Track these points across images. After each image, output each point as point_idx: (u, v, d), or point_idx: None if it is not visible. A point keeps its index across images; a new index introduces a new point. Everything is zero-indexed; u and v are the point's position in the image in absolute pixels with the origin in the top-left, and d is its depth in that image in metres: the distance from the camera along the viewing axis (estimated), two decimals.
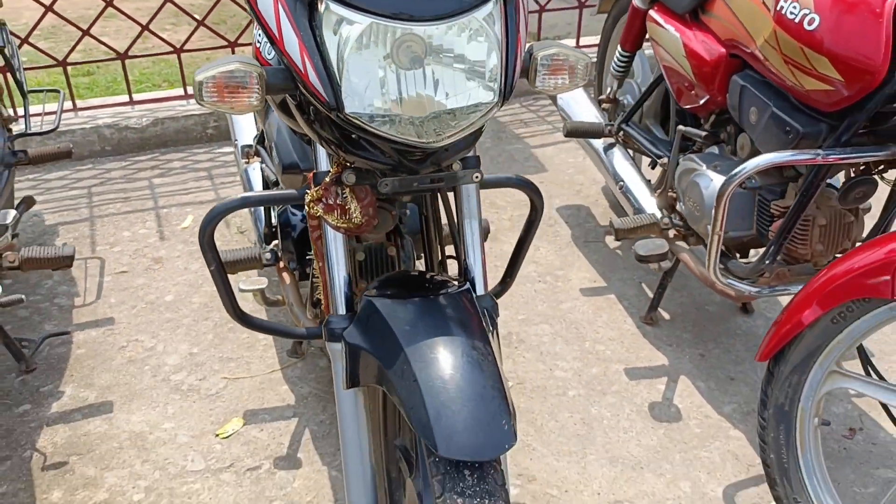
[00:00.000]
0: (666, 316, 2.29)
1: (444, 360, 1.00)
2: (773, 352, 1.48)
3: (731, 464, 1.81)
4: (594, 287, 2.42)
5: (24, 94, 2.35)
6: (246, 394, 2.01)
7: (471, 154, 1.21)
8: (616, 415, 1.95)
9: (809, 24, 1.43)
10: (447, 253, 1.49)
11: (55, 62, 3.12)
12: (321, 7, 0.95)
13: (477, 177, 1.16)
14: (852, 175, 1.61)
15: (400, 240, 1.51)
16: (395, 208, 1.36)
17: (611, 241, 2.64)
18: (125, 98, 3.33)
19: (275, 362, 2.12)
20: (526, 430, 1.90)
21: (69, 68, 3.20)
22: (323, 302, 1.25)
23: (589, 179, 3.02)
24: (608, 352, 2.16)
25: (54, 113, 2.49)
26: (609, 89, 2.42)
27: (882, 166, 1.57)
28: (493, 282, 1.43)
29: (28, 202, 2.14)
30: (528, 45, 1.11)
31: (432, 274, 1.24)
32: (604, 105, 2.46)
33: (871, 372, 1.62)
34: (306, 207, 1.16)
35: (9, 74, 2.48)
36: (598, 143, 2.36)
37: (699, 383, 2.05)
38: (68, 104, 3.22)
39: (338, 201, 1.14)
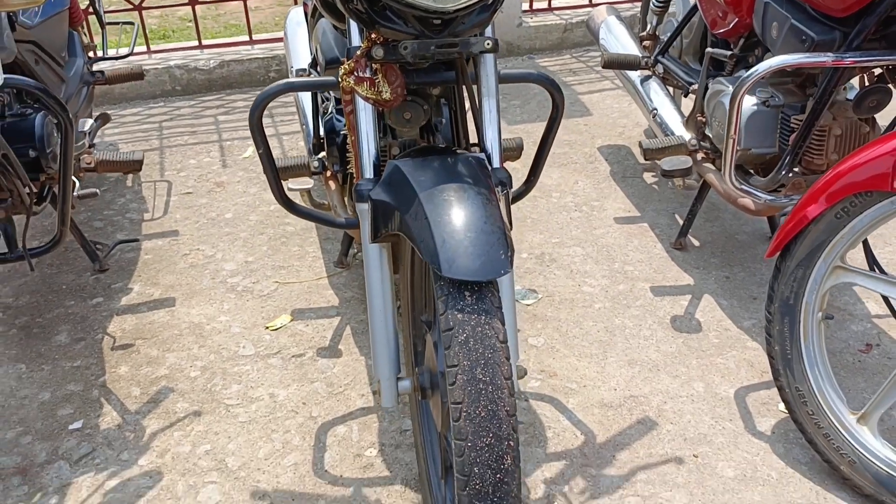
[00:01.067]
0: (696, 243, 2.38)
1: (453, 201, 1.14)
2: (780, 247, 1.57)
3: (745, 370, 1.90)
4: (628, 216, 2.51)
5: (102, 25, 2.57)
6: (295, 296, 2.19)
7: (490, 35, 1.33)
8: (638, 325, 2.06)
9: None
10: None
11: (132, 6, 3.35)
12: None
13: (489, 44, 1.27)
14: (866, 84, 1.67)
15: (432, 138, 1.64)
16: (427, 103, 1.49)
17: (648, 176, 2.73)
18: (195, 42, 3.54)
19: (322, 271, 2.29)
20: (551, 336, 2.03)
21: (144, 14, 3.42)
22: (354, 171, 1.40)
23: (632, 122, 3.10)
24: (636, 272, 2.26)
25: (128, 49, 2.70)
26: (649, 25, 2.50)
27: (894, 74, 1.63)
28: None
29: (104, 118, 2.35)
30: None
31: (453, 147, 1.38)
32: (644, 42, 2.54)
33: (875, 267, 1.69)
34: (340, 81, 1.30)
35: (90, 9, 2.70)
36: (635, 76, 2.44)
37: (722, 301, 2.13)
38: (142, 48, 3.45)
39: (367, 74, 1.28)
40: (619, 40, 2.57)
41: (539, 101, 3.30)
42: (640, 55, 2.41)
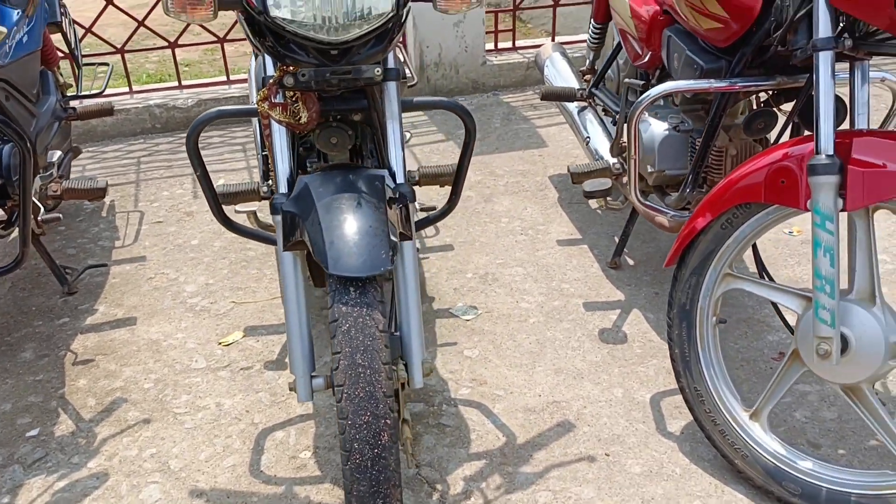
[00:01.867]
0: (630, 262, 2.51)
1: (343, 210, 1.28)
2: (675, 257, 1.70)
3: (664, 377, 2.02)
4: (570, 239, 2.65)
5: (78, 66, 2.75)
6: (249, 314, 2.33)
7: (392, 66, 1.49)
8: (568, 337, 2.19)
9: None
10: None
11: (114, 49, 3.55)
12: None
13: (378, 71, 1.42)
14: (754, 108, 1.82)
15: (360, 160, 1.79)
16: (351, 129, 1.65)
17: (593, 202, 2.87)
18: (174, 83, 3.74)
19: (277, 291, 2.43)
20: (486, 348, 2.15)
21: (126, 56, 3.63)
22: (273, 184, 1.54)
23: (583, 154, 3.26)
24: (571, 289, 2.39)
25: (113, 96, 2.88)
26: (588, 61, 2.67)
27: (781, 99, 1.78)
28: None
29: (75, 151, 2.52)
30: None
31: (361, 164, 1.53)
32: (585, 76, 2.70)
33: (764, 274, 1.81)
34: (257, 106, 1.46)
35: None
36: (573, 107, 2.60)
37: (649, 314, 2.26)
38: (125, 87, 3.64)
39: (280, 100, 1.44)
40: (562, 74, 2.74)
41: (498, 134, 3.47)
42: (577, 88, 2.57)
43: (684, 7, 1.76)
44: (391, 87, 1.49)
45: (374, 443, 1.16)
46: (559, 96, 2.53)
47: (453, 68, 3.81)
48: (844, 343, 1.50)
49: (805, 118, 1.74)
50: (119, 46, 3.57)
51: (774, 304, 1.90)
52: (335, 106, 1.58)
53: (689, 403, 1.74)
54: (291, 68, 1.41)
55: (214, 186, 1.73)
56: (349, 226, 1.25)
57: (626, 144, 2.23)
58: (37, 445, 1.87)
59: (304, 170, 1.84)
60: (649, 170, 2.07)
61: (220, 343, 2.21)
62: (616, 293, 2.37)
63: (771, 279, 1.83)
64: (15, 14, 2.17)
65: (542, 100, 2.56)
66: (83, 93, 2.64)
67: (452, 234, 2.71)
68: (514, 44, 4.02)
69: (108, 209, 2.97)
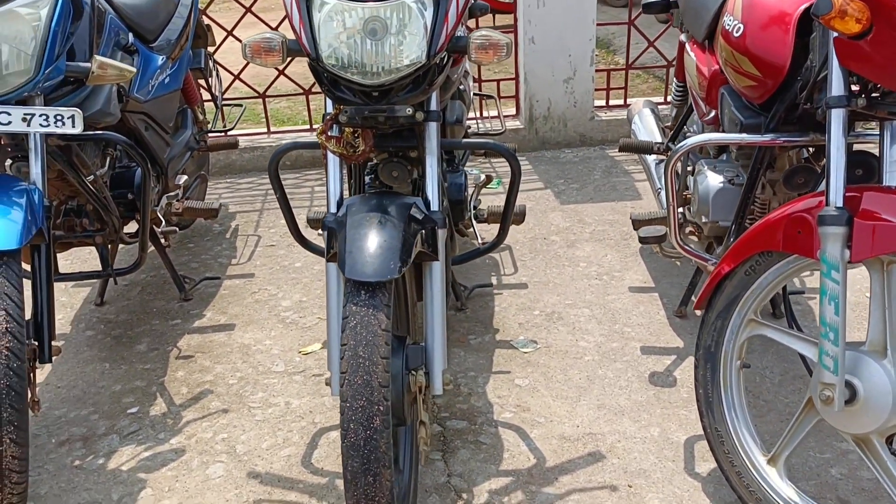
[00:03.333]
0: (698, 312, 2.56)
1: (368, 224, 1.49)
2: (703, 300, 1.79)
3: None
4: (643, 286, 2.73)
5: (217, 106, 3.17)
6: None
7: (433, 109, 1.70)
8: (618, 377, 2.27)
9: (737, 32, 1.77)
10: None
11: (257, 94, 4.01)
12: None
13: (409, 111, 1.62)
14: (794, 163, 1.88)
15: (423, 187, 1.98)
16: (410, 164, 1.87)
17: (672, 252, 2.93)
18: (306, 126, 4.14)
19: None
20: (537, 379, 2.28)
21: (268, 101, 4.08)
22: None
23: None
24: (632, 333, 2.47)
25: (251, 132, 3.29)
26: (671, 117, 2.78)
27: (821, 155, 1.82)
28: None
29: (202, 178, 2.90)
30: (462, 30, 1.60)
31: (401, 191, 1.74)
32: (668, 131, 2.80)
33: (793, 323, 1.84)
34: (317, 137, 1.71)
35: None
36: (651, 159, 2.71)
37: None
38: (263, 128, 4.09)
39: (335, 133, 1.68)
40: (647, 128, 2.85)
41: (596, 185, 3.59)
42: (655, 141, 2.68)
43: (727, 69, 1.86)
44: (431, 127, 1.69)
45: (367, 425, 1.33)
46: (637, 148, 2.65)
47: (561, 122, 3.98)
48: (853, 392, 1.53)
49: (788, 181, 1.79)
50: (261, 91, 4.02)
51: (802, 357, 1.92)
52: (392, 143, 1.81)
53: (710, 443, 1.79)
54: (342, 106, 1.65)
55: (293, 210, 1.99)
56: (368, 239, 1.45)
57: (688, 195, 2.32)
58: (133, 421, 2.18)
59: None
60: (703, 220, 2.14)
61: (300, 352, 2.46)
62: (676, 340, 2.42)
63: (798, 328, 1.86)
64: (160, 59, 2.58)
65: (620, 151, 2.68)
66: (216, 129, 3.03)
67: (529, 273, 2.86)
68: (625, 101, 4.15)
69: (233, 232, 3.35)
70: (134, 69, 1.96)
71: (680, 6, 2.54)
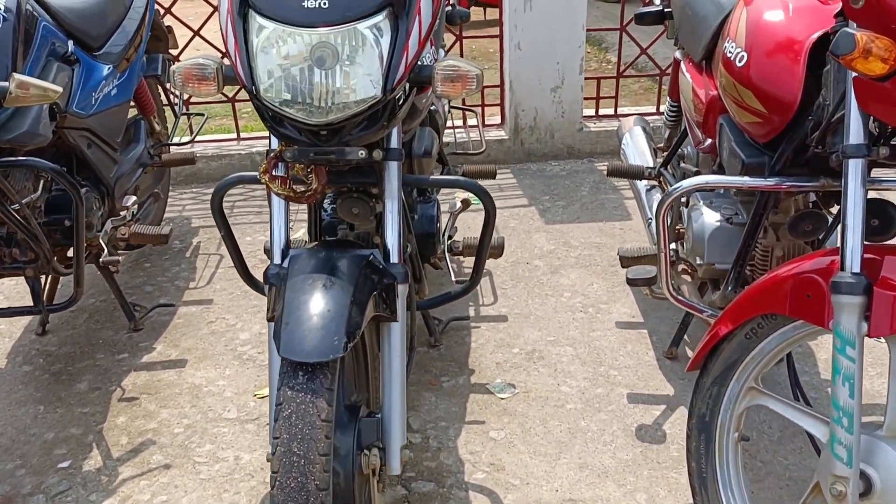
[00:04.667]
0: (689, 353, 2.36)
1: (311, 288, 1.28)
2: (696, 362, 1.58)
3: None
4: (631, 322, 2.52)
5: (175, 115, 2.94)
6: None
7: (394, 147, 1.48)
8: (602, 430, 2.07)
9: (740, 60, 1.56)
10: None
11: (226, 99, 3.77)
12: (250, 17, 1.30)
13: (362, 154, 1.41)
14: (801, 208, 1.67)
15: (382, 235, 1.77)
16: (371, 200, 1.66)
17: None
18: None
19: None
20: (513, 431, 2.07)
21: (237, 105, 3.84)
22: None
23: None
24: (619, 377, 2.27)
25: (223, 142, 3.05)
26: (664, 137, 2.56)
27: (830, 200, 1.62)
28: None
29: (155, 196, 2.68)
30: (429, 56, 1.38)
31: (359, 241, 1.52)
32: (660, 153, 2.59)
33: (799, 394, 1.64)
34: (259, 177, 1.49)
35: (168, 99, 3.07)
36: (642, 185, 2.50)
37: None
38: (233, 134, 3.85)
39: (280, 173, 1.46)
40: (638, 150, 2.64)
41: (583, 203, 3.38)
42: (646, 165, 2.47)
43: (727, 100, 1.65)
44: (392, 167, 1.48)
45: None
46: (626, 173, 2.44)
47: (548, 133, 3.77)
48: (867, 484, 1.33)
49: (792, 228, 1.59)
50: (230, 96, 3.78)
51: (809, 434, 1.72)
52: (349, 179, 1.59)
53: None
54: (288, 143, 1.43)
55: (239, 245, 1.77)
56: (310, 307, 1.24)
57: (681, 230, 2.11)
58: (64, 478, 1.96)
59: (331, 234, 1.85)
60: (698, 262, 1.94)
61: (255, 395, 2.25)
62: (666, 386, 2.22)
63: (805, 400, 1.66)
64: (106, 69, 2.35)
65: (608, 175, 2.47)
66: (180, 140, 2.80)
67: (510, 304, 2.65)
68: (615, 111, 3.93)
69: (193, 250, 3.12)
70: (59, 89, 1.73)
71: (675, 19, 2.33)
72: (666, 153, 2.51)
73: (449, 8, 2.61)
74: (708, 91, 1.94)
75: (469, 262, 2.88)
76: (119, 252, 2.45)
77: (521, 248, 3.02)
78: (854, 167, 1.30)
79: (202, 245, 3.16)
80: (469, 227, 3.19)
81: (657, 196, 2.43)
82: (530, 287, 2.75)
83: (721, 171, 1.86)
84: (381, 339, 1.46)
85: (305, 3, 1.25)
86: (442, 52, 2.39)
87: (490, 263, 2.91)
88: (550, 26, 3.54)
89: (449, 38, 3.72)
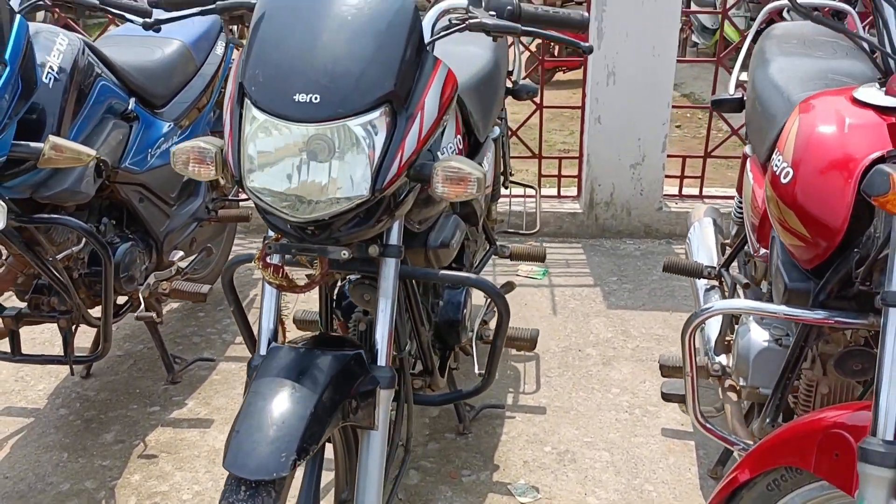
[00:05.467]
0: None
1: (271, 394, 1.20)
2: None
3: None
4: (679, 430, 2.33)
5: None
6: None
7: (394, 243, 1.41)
8: None
9: (785, 177, 1.40)
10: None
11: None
12: (245, 106, 1.26)
13: (345, 254, 1.34)
14: (851, 343, 1.48)
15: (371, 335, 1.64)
16: (368, 292, 1.59)
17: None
18: None
19: None
20: None
21: None
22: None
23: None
24: (654, 493, 2.08)
25: None
26: (732, 234, 2.38)
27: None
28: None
29: (208, 251, 2.70)
30: (426, 154, 1.31)
31: (347, 341, 1.44)
32: (727, 249, 2.41)
33: None
34: (254, 264, 1.44)
35: None
36: (701, 284, 2.32)
37: None
38: None
39: (275, 261, 1.41)
40: (704, 243, 2.46)
41: (652, 289, 3.20)
42: (707, 263, 2.29)
43: (771, 215, 1.49)
44: (388, 263, 1.40)
45: None
46: (683, 270, 2.27)
47: (625, 210, 3.61)
48: None
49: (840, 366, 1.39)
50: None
51: None
52: (356, 267, 1.52)
53: None
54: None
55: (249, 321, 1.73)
56: (264, 416, 1.17)
57: (729, 342, 1.93)
58: None
59: (347, 314, 1.78)
60: (741, 383, 1.76)
61: None
62: None
63: None
64: (166, 126, 2.40)
65: (664, 271, 2.31)
66: (234, 197, 2.83)
67: (552, 395, 2.50)
68: (700, 191, 3.74)
69: (250, 302, 3.13)
70: (93, 153, 1.76)
71: (746, 111, 2.17)
72: (729, 253, 2.33)
73: (513, 83, 2.54)
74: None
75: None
76: (171, 300, 2.47)
77: (576, 333, 2.87)
78: (895, 318, 1.12)
79: (257, 299, 3.17)
80: (526, 302, 3.07)
81: (715, 297, 2.25)
82: (577, 378, 2.60)
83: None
84: (359, 444, 1.37)
85: (297, 97, 1.21)
86: (497, 129, 2.31)
87: (540, 346, 2.77)
88: (633, 102, 3.41)
89: (529, 107, 3.65)
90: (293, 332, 2.56)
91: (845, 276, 1.34)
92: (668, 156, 3.56)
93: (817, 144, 1.37)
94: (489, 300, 2.20)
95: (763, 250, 1.80)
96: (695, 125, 5.82)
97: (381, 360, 1.39)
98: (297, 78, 1.21)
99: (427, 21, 1.43)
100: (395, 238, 1.40)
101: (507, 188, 2.71)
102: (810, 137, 1.39)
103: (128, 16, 1.96)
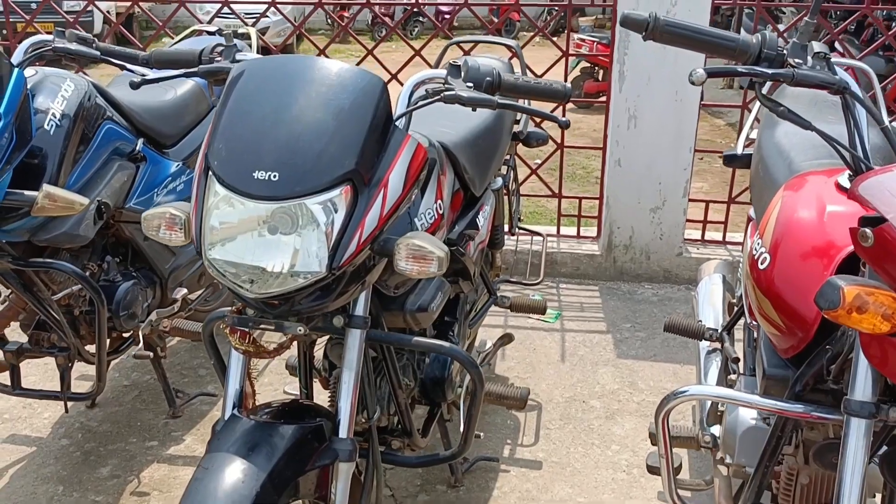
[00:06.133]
0: None
1: (220, 468, 1.20)
2: None
3: None
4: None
5: None
6: None
7: (360, 313, 1.40)
8: None
9: (762, 262, 1.35)
10: None
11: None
12: (209, 178, 1.27)
13: (301, 330, 1.33)
14: (830, 436, 1.41)
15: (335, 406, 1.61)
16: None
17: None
18: None
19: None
20: None
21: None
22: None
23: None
24: None
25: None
26: (739, 292, 2.32)
27: None
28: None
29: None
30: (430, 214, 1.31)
31: (315, 409, 1.43)
32: (735, 306, 2.35)
33: None
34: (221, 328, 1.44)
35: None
36: (704, 345, 2.25)
37: None
38: None
39: (240, 326, 1.41)
40: (711, 301, 2.40)
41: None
42: (710, 325, 2.23)
43: (747, 299, 1.44)
44: (353, 335, 1.39)
45: None
46: (685, 331, 2.21)
47: (644, 254, 3.55)
48: None
49: (890, 466, 1.32)
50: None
51: None
52: (330, 331, 1.51)
53: None
54: None
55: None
56: (211, 491, 1.16)
57: (721, 413, 1.88)
58: None
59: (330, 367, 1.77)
60: (727, 460, 1.70)
61: None
62: None
63: None
64: (174, 165, 2.43)
65: (665, 331, 2.25)
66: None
67: (550, 448, 2.46)
68: (724, 237, 3.66)
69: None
70: (86, 201, 1.79)
71: (750, 174, 2.11)
72: (731, 316, 2.27)
73: (521, 129, 2.52)
74: None
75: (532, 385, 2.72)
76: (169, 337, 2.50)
77: (582, 383, 2.82)
78: (857, 427, 1.07)
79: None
80: (535, 347, 3.04)
81: (716, 361, 2.19)
82: (578, 431, 2.55)
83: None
84: None
85: (256, 174, 1.21)
86: (499, 180, 2.29)
87: (544, 396, 2.74)
88: (655, 146, 3.36)
89: (550, 146, 3.62)
90: (272, 388, 2.56)
91: (819, 371, 1.28)
92: (690, 199, 3.50)
93: (796, 230, 1.33)
94: (494, 343, 2.18)
95: (755, 322, 1.74)
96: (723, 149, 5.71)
97: (343, 432, 1.37)
98: (258, 154, 1.22)
99: (404, 91, 1.43)
100: (360, 308, 1.39)
101: (513, 235, 2.69)
102: (789, 222, 1.35)
103: (127, 65, 1.99)
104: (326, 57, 1.76)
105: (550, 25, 5.03)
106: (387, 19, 7.26)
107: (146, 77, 1.64)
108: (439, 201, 1.59)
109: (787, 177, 1.78)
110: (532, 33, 3.71)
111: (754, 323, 1.75)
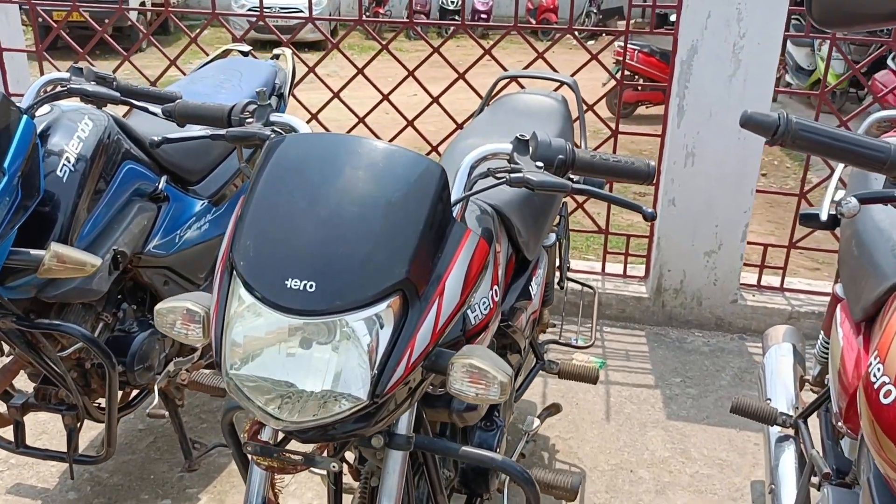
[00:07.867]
0: None
1: None
2: None
3: None
4: None
5: None
6: None
7: (402, 432, 1.20)
8: None
9: (886, 396, 1.13)
10: None
11: None
12: (234, 281, 1.07)
13: (335, 466, 1.14)
14: None
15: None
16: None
17: None
18: None
19: None
20: None
21: None
22: None
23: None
24: None
25: None
26: (814, 371, 2.09)
27: None
28: None
29: None
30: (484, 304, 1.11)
31: None
32: (809, 388, 2.12)
33: None
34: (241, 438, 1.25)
35: None
36: (775, 430, 2.03)
37: None
38: None
39: (264, 437, 1.21)
40: (779, 376, 2.17)
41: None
42: (783, 407, 2.00)
43: (866, 435, 1.22)
44: (394, 457, 1.19)
45: None
46: (754, 415, 1.99)
47: (695, 299, 3.32)
48: None
49: None
50: None
51: None
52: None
53: None
54: None
55: None
56: None
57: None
58: None
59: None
60: None
61: None
62: None
63: None
64: (198, 205, 2.25)
65: (731, 412, 2.03)
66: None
67: None
68: (782, 284, 3.41)
69: None
70: (98, 262, 1.61)
71: (840, 248, 1.88)
72: (809, 403, 2.04)
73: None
74: (859, 368, 1.49)
75: (565, 454, 2.51)
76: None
77: (630, 448, 2.60)
78: None
79: None
80: (578, 402, 2.82)
81: (789, 451, 1.96)
82: None
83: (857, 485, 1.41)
84: None
85: (289, 283, 1.01)
86: (553, 235, 2.08)
87: (589, 462, 2.52)
88: (713, 185, 3.12)
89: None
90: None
91: None
92: (748, 243, 3.26)
93: None
94: (524, 435, 1.97)
95: (850, 433, 1.51)
96: (781, 174, 5.42)
97: None
98: (292, 258, 1.02)
99: (462, 170, 1.22)
100: (403, 426, 1.19)
101: (562, 288, 2.47)
102: None
103: (150, 107, 1.81)
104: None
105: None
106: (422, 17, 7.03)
107: (168, 137, 1.45)
108: (495, 287, 1.39)
109: (892, 267, 1.55)
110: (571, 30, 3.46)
111: (844, 429, 1.52)
